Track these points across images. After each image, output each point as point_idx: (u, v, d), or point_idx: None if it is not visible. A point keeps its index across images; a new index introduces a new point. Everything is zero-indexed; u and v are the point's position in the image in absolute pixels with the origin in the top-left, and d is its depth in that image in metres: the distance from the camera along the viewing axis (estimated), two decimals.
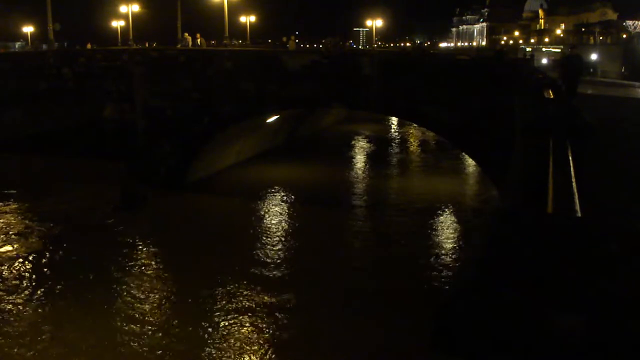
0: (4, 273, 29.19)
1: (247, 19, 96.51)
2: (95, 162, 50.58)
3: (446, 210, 39.31)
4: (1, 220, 37.38)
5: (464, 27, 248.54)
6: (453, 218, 38.03)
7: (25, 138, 56.63)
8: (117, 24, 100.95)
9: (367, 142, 66.68)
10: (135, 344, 22.65)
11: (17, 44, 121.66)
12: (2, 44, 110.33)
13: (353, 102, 40.80)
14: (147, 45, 76.34)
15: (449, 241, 33.97)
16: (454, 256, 31.34)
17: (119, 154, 48.48)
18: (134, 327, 23.90)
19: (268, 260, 30.37)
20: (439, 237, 34.61)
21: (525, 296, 4.89)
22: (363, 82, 38.21)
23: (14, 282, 28.18)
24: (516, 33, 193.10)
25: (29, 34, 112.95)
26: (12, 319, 24.53)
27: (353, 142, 65.32)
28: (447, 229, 36.22)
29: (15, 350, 22.15)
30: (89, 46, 68.56)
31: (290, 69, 40.17)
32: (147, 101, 43.65)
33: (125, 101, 46.98)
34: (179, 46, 56.96)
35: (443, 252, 32.14)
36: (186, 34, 56.99)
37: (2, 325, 23.88)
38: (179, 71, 43.26)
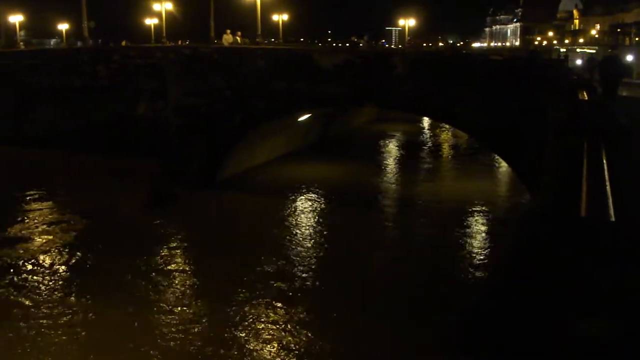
0: (36, 266, 29.71)
1: (280, 18, 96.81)
2: (128, 159, 51.07)
3: (477, 212, 38.99)
4: (34, 214, 37.95)
5: (497, 27, 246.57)
6: (484, 220, 37.69)
7: (59, 134, 57.39)
8: (150, 21, 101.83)
9: (398, 142, 66.51)
10: (167, 337, 22.89)
11: (52, 41, 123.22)
12: (38, 41, 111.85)
13: (385, 101, 40.76)
14: (180, 43, 76.79)
15: (479, 243, 33.71)
16: (484, 258, 31.09)
17: (151, 151, 48.95)
18: (164, 319, 24.24)
19: (298, 260, 30.41)
20: (469, 239, 34.33)
21: (556, 299, 4.87)
22: (395, 82, 38.10)
23: (46, 275, 28.63)
24: (550, 33, 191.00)
25: (63, 31, 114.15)
26: (45, 311, 24.90)
27: (384, 142, 65.16)
28: (477, 231, 35.92)
29: (52, 341, 22.54)
30: (123, 44, 69.04)
31: (322, 68, 40.18)
32: (180, 99, 43.95)
33: (159, 99, 47.42)
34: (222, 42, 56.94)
35: (473, 253, 31.89)
36: (228, 32, 57.15)
37: (34, 319, 24.25)
38: (212, 69, 43.49)
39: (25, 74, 56.19)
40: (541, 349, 4.45)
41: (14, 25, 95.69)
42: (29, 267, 29.64)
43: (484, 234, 35.35)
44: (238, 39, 55.73)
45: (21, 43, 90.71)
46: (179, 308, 25.41)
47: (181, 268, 30.07)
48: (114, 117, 64.40)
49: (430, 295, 26.48)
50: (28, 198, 41.32)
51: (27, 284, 27.48)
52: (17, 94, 57.17)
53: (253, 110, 41.86)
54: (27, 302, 25.69)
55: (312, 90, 40.31)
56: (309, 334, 23.14)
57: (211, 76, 43.37)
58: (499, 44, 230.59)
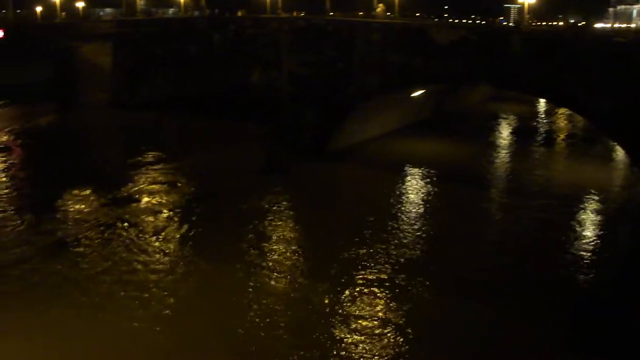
0: (151, 225, 30.92)
1: None
2: (240, 126, 52.01)
3: (590, 199, 37.41)
4: (149, 176, 39.34)
5: (622, 7, 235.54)
6: (597, 209, 36.08)
7: (174, 100, 59.03)
8: None
9: (512, 123, 64.80)
10: (270, 298, 23.45)
11: (171, 10, 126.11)
12: (157, 10, 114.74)
13: (500, 80, 39.72)
14: (295, 14, 77.18)
15: (591, 233, 32.20)
16: (595, 249, 29.65)
17: (263, 120, 49.62)
18: (271, 282, 24.93)
19: (404, 237, 30.23)
20: (581, 228, 32.95)
21: None
22: (511, 61, 37.04)
23: (160, 234, 29.78)
24: None
25: (181, 1, 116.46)
26: (158, 269, 26.00)
27: (498, 122, 63.67)
28: (590, 220, 34.43)
29: (165, 300, 23.46)
30: (239, 14, 69.98)
31: (437, 43, 39.51)
32: (294, 69, 44.26)
33: (272, 68, 47.94)
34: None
35: (584, 244, 30.52)
36: (380, 5, 56.92)
37: (147, 276, 25.28)
38: (326, 41, 43.53)
39: (143, 42, 57.97)
40: None
41: None
42: (142, 226, 30.82)
43: (596, 223, 33.84)
44: (378, 10, 55.50)
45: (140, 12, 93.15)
46: (285, 275, 25.76)
47: (288, 236, 30.46)
48: (228, 85, 65.57)
49: (538, 285, 25.61)
50: (143, 160, 42.85)
51: (139, 243, 28.57)
52: (135, 61, 59.14)
53: (366, 83, 41.67)
54: (141, 259, 26.80)
55: (426, 65, 39.68)
56: (410, 316, 23.02)
57: (325, 48, 43.43)
58: (624, 25, 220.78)
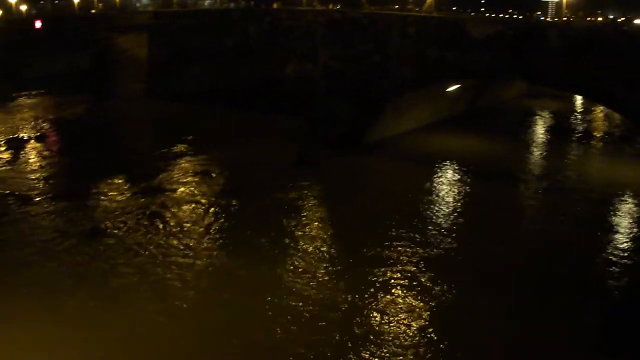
0: (179, 216, 31.23)
1: None
2: (274, 118, 52.08)
3: (626, 200, 36.66)
4: (181, 167, 39.72)
5: None
6: (633, 210, 35.42)
7: (208, 91, 59.27)
8: None
9: (547, 119, 63.82)
10: (296, 291, 23.62)
11: (207, 2, 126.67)
12: (193, 1, 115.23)
13: (536, 76, 39.19)
14: (331, 7, 77.09)
15: (626, 234, 31.40)
16: (630, 250, 29.04)
17: (297, 112, 49.60)
18: (301, 279, 24.84)
19: (431, 232, 30.09)
20: (615, 228, 32.20)
21: None
22: (548, 56, 36.55)
23: (188, 225, 30.01)
24: None
25: None
26: (189, 255, 26.54)
27: (533, 118, 62.71)
28: (625, 220, 33.66)
29: (197, 285, 23.99)
30: (274, 6, 70.15)
31: (473, 38, 39.16)
32: (329, 61, 44.17)
33: (307, 61, 47.91)
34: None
35: (618, 244, 29.84)
36: None
37: (170, 269, 25.52)
38: (361, 34, 43.38)
39: (179, 33, 58.30)
40: None
41: None
42: (171, 217, 31.11)
43: (631, 224, 33.10)
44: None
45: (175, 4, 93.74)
46: (316, 266, 25.86)
47: (315, 230, 30.42)
48: (262, 77, 65.65)
49: (569, 284, 25.26)
50: (175, 151, 43.16)
51: (167, 234, 28.84)
52: (171, 53, 59.51)
53: (401, 76, 41.43)
54: (167, 251, 27.07)
55: (461, 60, 39.35)
56: (440, 309, 23.02)
57: (360, 41, 43.27)
58: None
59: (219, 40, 56.19)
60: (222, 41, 56.08)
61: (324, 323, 21.59)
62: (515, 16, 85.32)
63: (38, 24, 64.61)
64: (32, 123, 51.27)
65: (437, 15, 61.13)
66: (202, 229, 29.65)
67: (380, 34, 42.70)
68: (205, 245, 27.89)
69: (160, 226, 29.69)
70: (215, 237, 28.83)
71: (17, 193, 34.19)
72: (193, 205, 32.81)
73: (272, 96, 60.49)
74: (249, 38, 53.63)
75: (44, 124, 51.40)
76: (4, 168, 39.10)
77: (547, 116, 64.91)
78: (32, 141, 45.76)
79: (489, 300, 23.46)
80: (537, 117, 63.86)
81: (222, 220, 30.84)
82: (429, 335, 21.05)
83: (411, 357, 19.85)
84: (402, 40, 41.42)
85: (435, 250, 27.93)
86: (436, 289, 24.29)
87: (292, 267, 25.88)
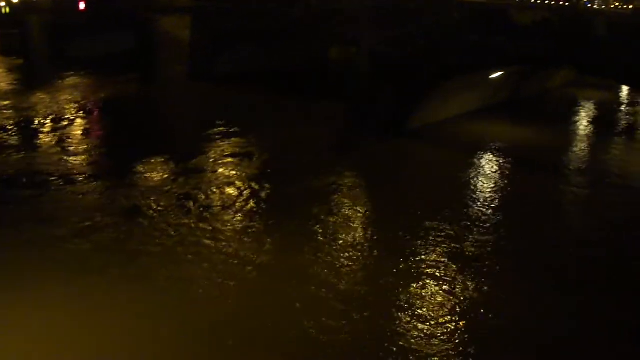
0: (218, 198, 31.42)
1: None
2: (316, 102, 52.01)
3: None
4: (221, 148, 40.01)
5: None
6: None
7: (251, 74, 59.52)
8: None
9: (593, 110, 62.48)
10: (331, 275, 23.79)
11: None
12: None
13: (583, 65, 38.63)
14: None
15: None
16: None
17: (340, 96, 49.45)
18: (337, 264, 24.93)
19: (474, 222, 29.81)
20: None
21: None
22: (595, 44, 36.00)
23: (226, 208, 30.25)
24: None
25: None
26: (220, 238, 26.67)
27: (579, 109, 61.48)
28: None
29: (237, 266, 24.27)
30: None
31: (517, 24, 38.82)
32: (373, 46, 43.92)
33: (352, 45, 47.73)
34: None
35: None
36: None
37: (207, 255, 25.72)
38: (407, 18, 43.12)
39: (222, 16, 58.49)
40: None
41: None
42: (210, 199, 31.32)
43: None
44: None
45: None
46: (351, 254, 25.83)
47: (356, 215, 30.30)
48: (305, 61, 65.62)
49: (607, 281, 24.91)
50: (216, 132, 43.41)
51: (205, 217, 28.96)
52: (213, 35, 59.77)
53: (446, 62, 41.10)
54: (203, 234, 27.16)
55: (507, 46, 38.91)
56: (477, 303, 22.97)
57: (405, 25, 42.98)
58: None
59: (262, 23, 56.24)
60: (265, 24, 56.03)
61: (353, 315, 21.42)
62: (561, 3, 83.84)
63: (82, 6, 65.47)
64: (77, 103, 51.76)
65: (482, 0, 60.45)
66: (242, 212, 29.76)
67: (426, 18, 42.40)
68: (236, 228, 27.95)
69: (200, 208, 29.89)
70: (246, 221, 28.86)
71: (59, 172, 34.63)
72: (233, 187, 32.94)
73: (316, 80, 60.42)
74: (294, 21, 53.32)
75: (88, 104, 51.96)
76: (48, 147, 39.63)
77: (592, 107, 63.65)
78: (77, 121, 46.32)
79: (529, 295, 23.23)
80: (583, 107, 62.64)
81: (262, 203, 30.99)
82: (458, 332, 20.78)
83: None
84: (448, 25, 41.11)
85: (469, 243, 27.53)
86: (473, 280, 24.12)
87: (324, 256, 25.68)
